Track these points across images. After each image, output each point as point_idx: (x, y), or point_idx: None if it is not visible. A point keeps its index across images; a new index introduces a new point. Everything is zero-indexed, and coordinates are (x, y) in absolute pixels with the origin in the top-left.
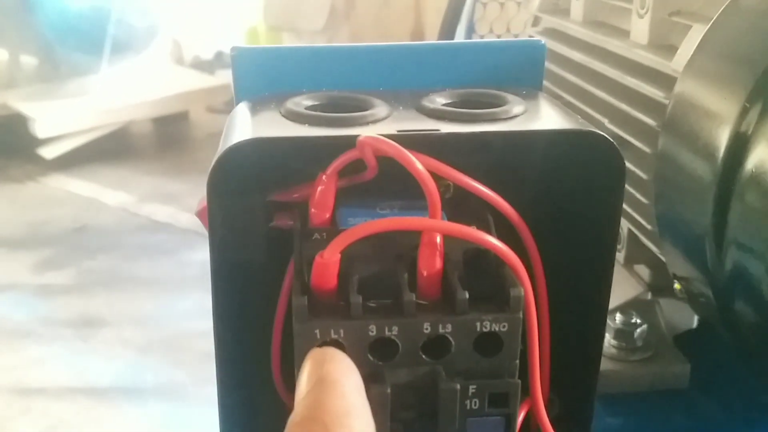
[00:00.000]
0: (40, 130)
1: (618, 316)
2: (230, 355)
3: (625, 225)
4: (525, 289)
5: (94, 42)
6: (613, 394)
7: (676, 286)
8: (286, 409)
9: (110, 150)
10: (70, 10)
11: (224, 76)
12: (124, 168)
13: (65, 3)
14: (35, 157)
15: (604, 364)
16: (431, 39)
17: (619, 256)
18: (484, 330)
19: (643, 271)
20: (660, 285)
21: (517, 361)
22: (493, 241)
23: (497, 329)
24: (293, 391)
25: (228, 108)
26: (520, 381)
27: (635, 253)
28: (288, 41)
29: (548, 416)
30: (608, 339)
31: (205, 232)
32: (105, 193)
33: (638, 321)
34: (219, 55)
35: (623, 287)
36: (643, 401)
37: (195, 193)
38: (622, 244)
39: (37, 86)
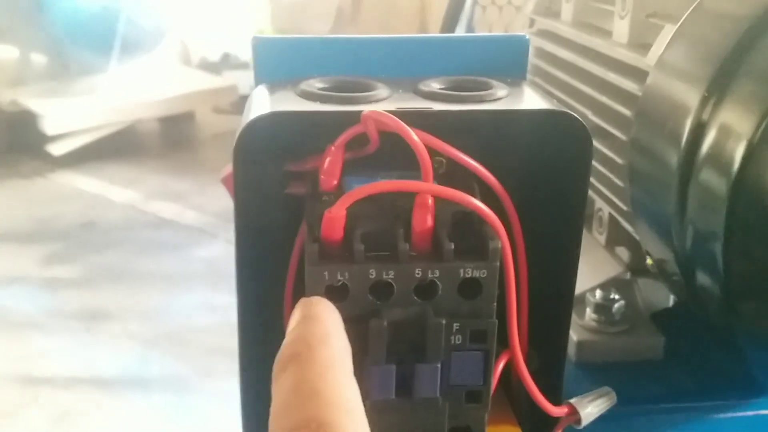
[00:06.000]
0: (48, 127)
1: (598, 292)
2: (250, 305)
3: (606, 209)
4: (503, 242)
5: (103, 41)
6: (592, 362)
7: (649, 261)
8: None
9: (117, 148)
10: (80, 9)
11: (230, 78)
12: (130, 166)
13: (76, 2)
14: (44, 153)
15: (584, 335)
16: None
17: (601, 238)
18: (467, 276)
19: (624, 253)
20: (639, 266)
21: (495, 304)
22: (475, 202)
23: (478, 275)
24: None
25: (234, 109)
26: (497, 321)
27: (616, 235)
28: None
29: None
30: (588, 313)
31: (210, 231)
32: (112, 190)
33: (617, 297)
34: (226, 57)
35: (604, 267)
36: (620, 370)
37: (201, 192)
38: (603, 227)
39: (46, 84)
